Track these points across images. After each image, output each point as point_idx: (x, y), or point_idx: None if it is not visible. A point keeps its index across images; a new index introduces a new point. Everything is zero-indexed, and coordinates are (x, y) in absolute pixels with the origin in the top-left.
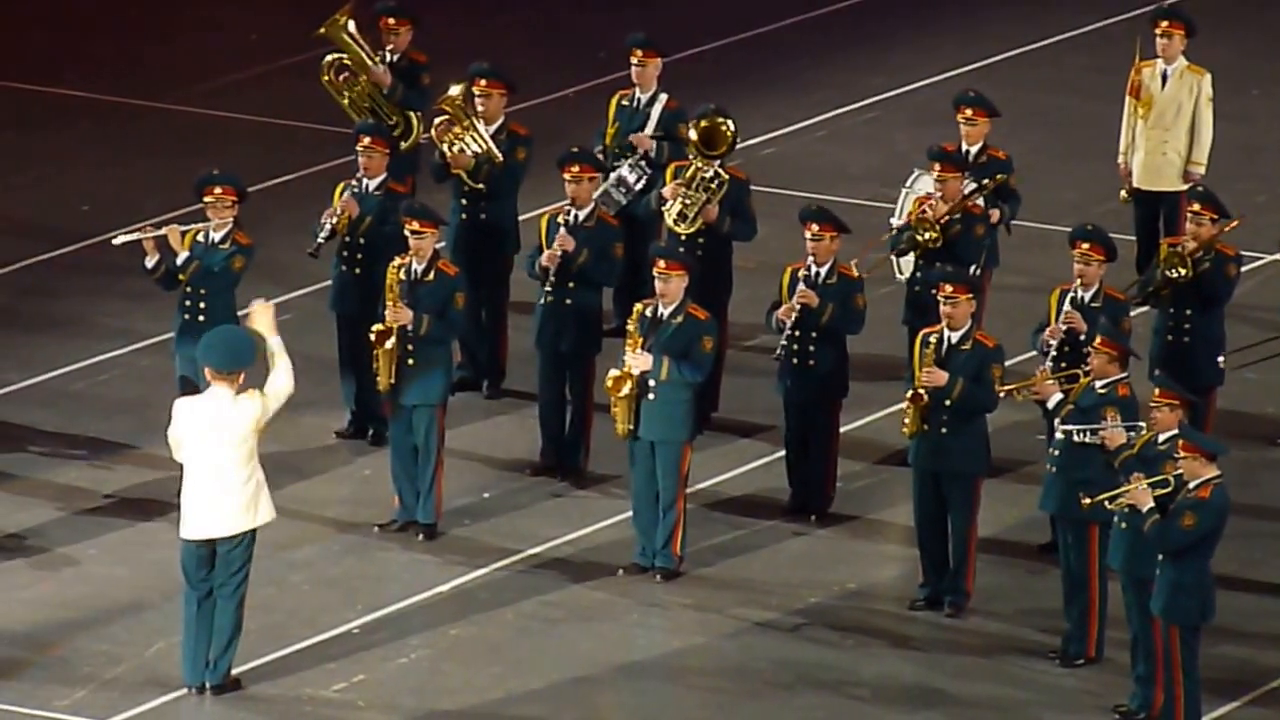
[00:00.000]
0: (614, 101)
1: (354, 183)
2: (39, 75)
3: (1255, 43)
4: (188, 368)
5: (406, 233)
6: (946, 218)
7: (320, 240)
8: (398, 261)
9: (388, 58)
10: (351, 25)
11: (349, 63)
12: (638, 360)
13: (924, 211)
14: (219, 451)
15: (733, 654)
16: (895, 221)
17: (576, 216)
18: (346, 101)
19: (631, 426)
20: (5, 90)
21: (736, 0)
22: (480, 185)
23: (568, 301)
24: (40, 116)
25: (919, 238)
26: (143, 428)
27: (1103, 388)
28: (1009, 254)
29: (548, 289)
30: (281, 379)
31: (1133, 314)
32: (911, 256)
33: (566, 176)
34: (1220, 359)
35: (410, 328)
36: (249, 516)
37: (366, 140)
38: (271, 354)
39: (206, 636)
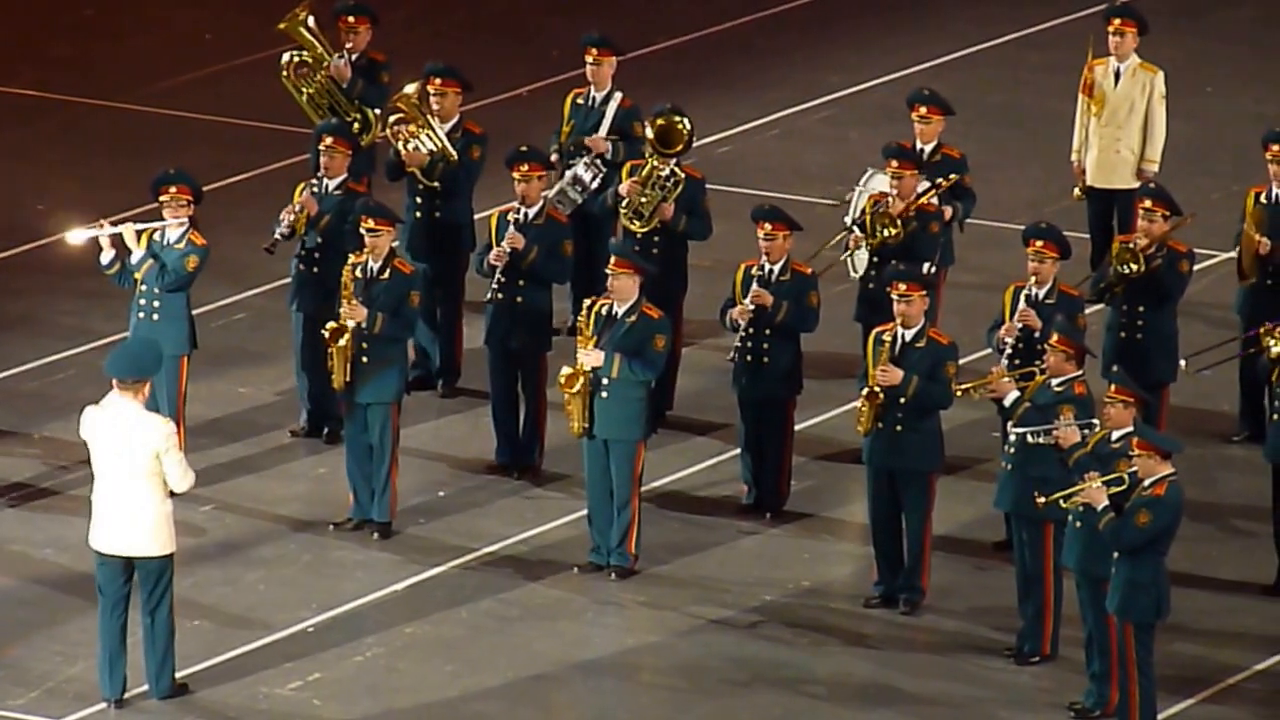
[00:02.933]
0: (569, 100)
1: (314, 182)
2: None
3: (1208, 41)
4: None
5: (362, 231)
6: (905, 214)
7: (277, 237)
8: (353, 259)
9: (347, 56)
10: (311, 20)
11: (308, 58)
12: (590, 358)
13: (882, 207)
14: (125, 463)
15: (688, 652)
16: (848, 219)
17: (526, 214)
18: (305, 98)
19: (586, 425)
20: None
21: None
22: (435, 184)
23: (518, 300)
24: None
25: (880, 233)
26: (54, 435)
27: (1058, 385)
28: (963, 252)
29: (495, 287)
30: (180, 475)
31: (1087, 311)
32: (865, 253)
33: (515, 175)
34: (1182, 363)
35: (365, 325)
36: (161, 542)
37: (329, 140)
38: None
39: (121, 651)
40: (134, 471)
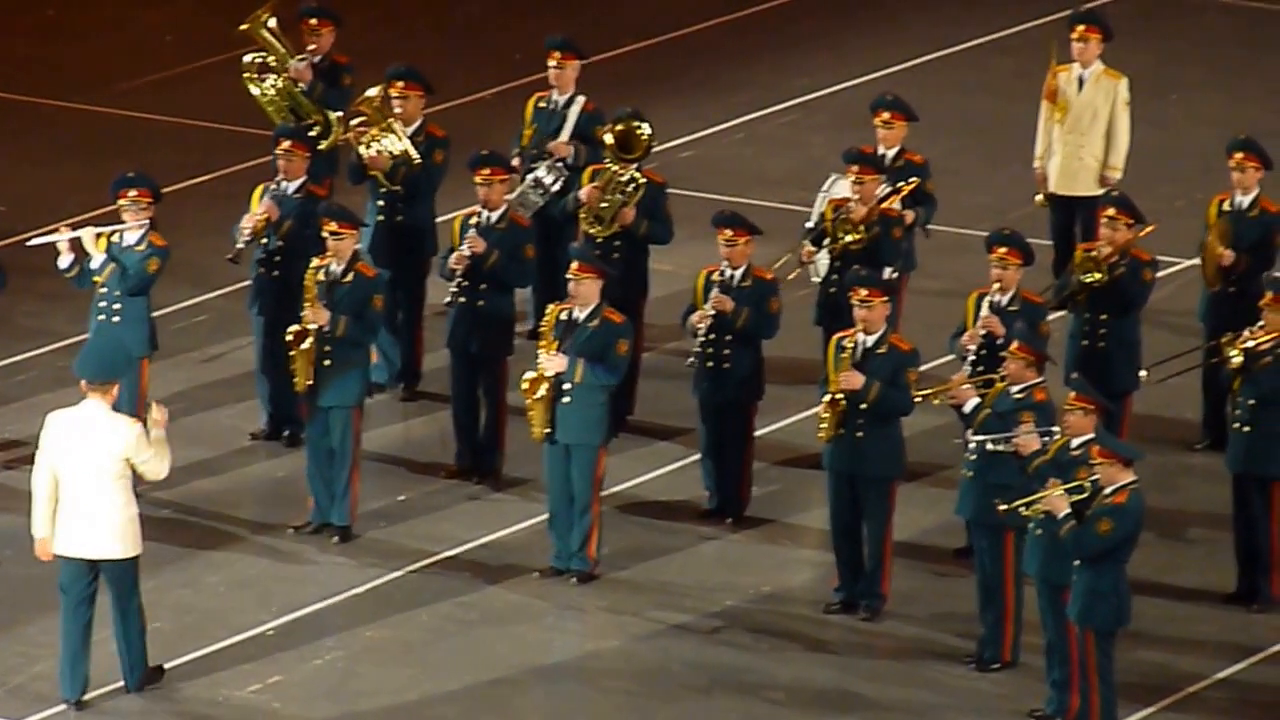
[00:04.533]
0: (531, 103)
1: (273, 185)
2: None
3: (1173, 47)
4: None
5: (325, 234)
6: (867, 219)
7: (240, 246)
8: (316, 262)
9: (310, 59)
10: (272, 22)
11: (270, 61)
12: (551, 362)
13: (844, 212)
14: (93, 466)
15: (648, 657)
16: (811, 222)
17: (488, 218)
18: (266, 100)
19: (547, 430)
20: None
21: (654, 3)
22: (398, 187)
23: (479, 303)
24: None
25: (841, 238)
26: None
27: (1019, 393)
28: (926, 258)
29: (455, 290)
30: (157, 465)
31: (1050, 318)
32: (827, 258)
33: (477, 179)
34: (1143, 373)
35: (328, 329)
36: (127, 544)
37: (286, 144)
38: (155, 439)
39: (83, 652)
40: (101, 474)
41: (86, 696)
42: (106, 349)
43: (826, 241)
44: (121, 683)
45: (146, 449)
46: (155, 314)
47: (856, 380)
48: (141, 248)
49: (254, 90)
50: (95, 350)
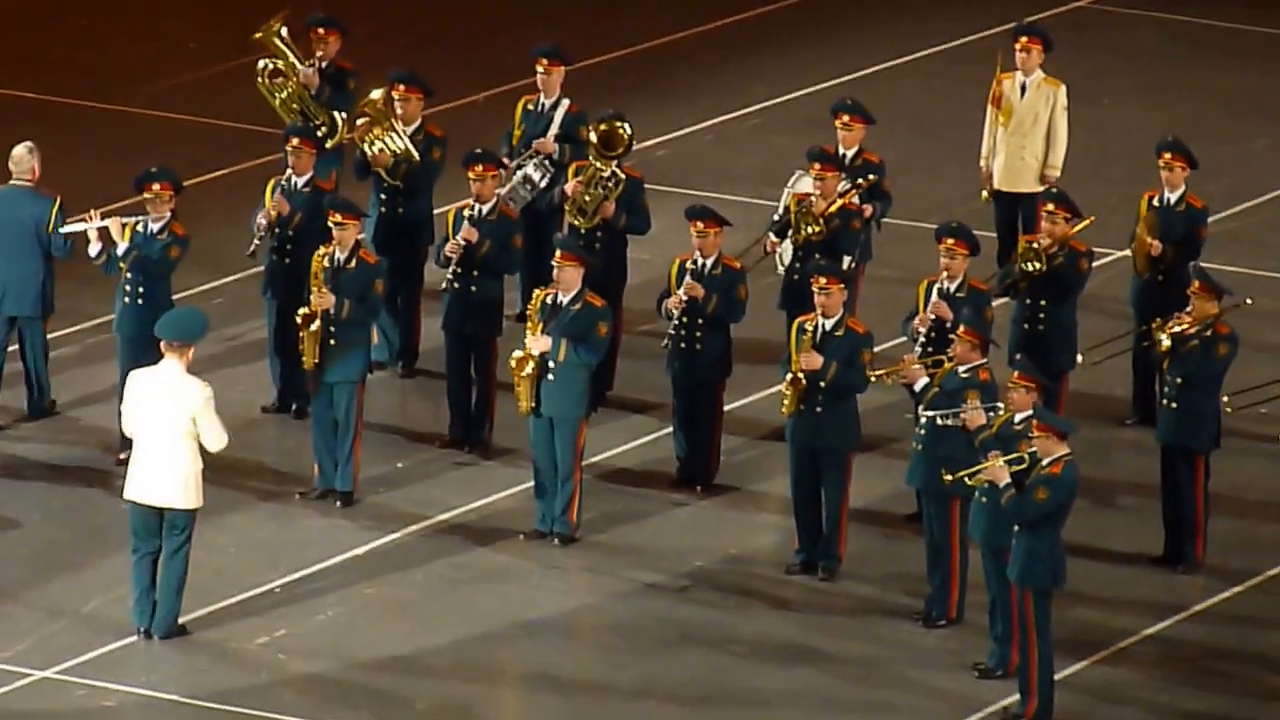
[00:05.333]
0: (520, 106)
1: (283, 180)
2: None
3: (1107, 58)
4: (127, 346)
5: (330, 224)
6: (828, 212)
7: (257, 242)
8: (322, 250)
9: (318, 65)
10: (284, 31)
11: (281, 66)
12: (537, 343)
13: (807, 206)
14: (166, 421)
15: (623, 613)
16: (776, 215)
17: (480, 210)
18: (278, 102)
19: (533, 404)
20: None
21: (633, 15)
22: (398, 182)
23: (472, 289)
24: None
25: (803, 229)
26: (88, 400)
27: (965, 372)
28: (881, 249)
29: (451, 277)
30: (216, 434)
31: (994, 304)
32: (790, 248)
33: (471, 175)
34: (1079, 357)
35: (333, 311)
36: (190, 496)
37: (295, 141)
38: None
39: (151, 588)
40: (173, 429)
41: (111, 647)
42: (185, 315)
43: (790, 233)
44: (141, 635)
45: (212, 415)
46: (176, 297)
47: (816, 361)
48: (164, 236)
49: (266, 94)
50: (176, 314)
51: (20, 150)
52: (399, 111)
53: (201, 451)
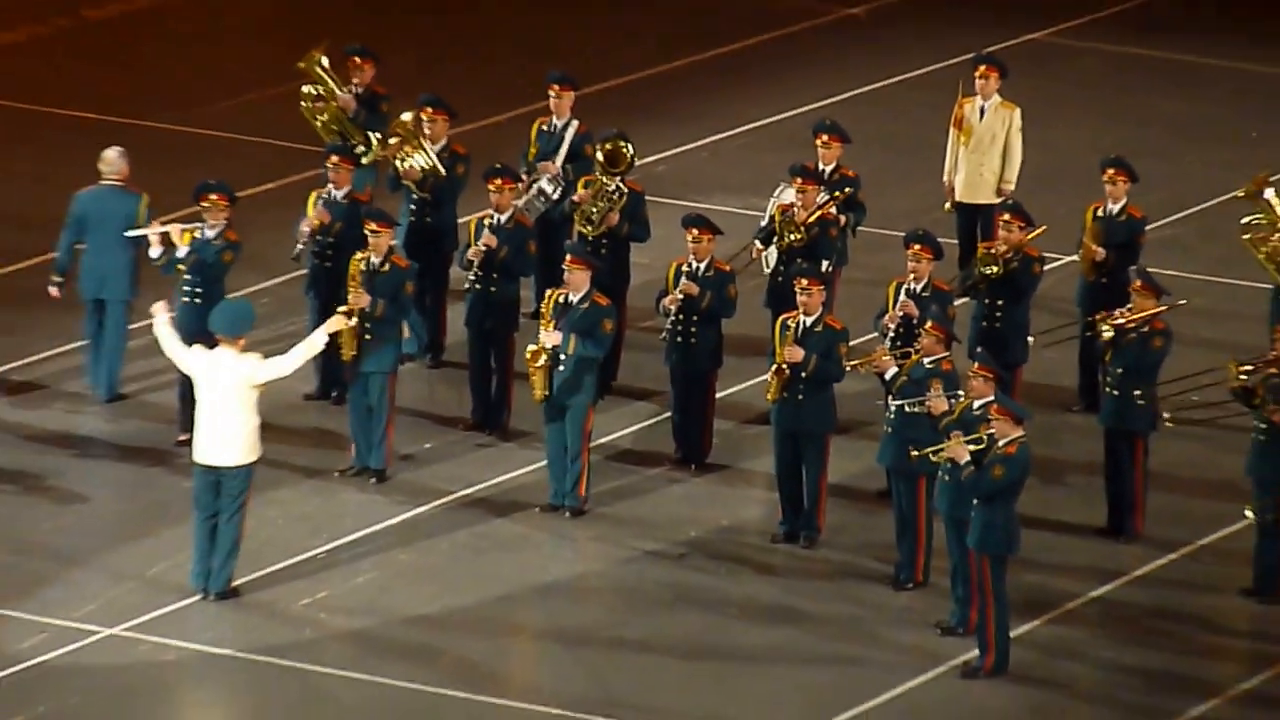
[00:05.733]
0: (535, 126)
1: (324, 193)
2: (69, 103)
3: (1057, 84)
4: (186, 340)
5: (366, 232)
6: (808, 221)
7: (300, 246)
8: (359, 255)
9: (354, 90)
10: (325, 61)
11: (322, 92)
12: (549, 338)
13: (790, 215)
14: (220, 396)
15: (627, 577)
16: (762, 223)
17: (498, 220)
18: (319, 124)
19: (546, 392)
20: (46, 114)
21: (635, 46)
22: (426, 194)
23: (492, 289)
24: (66, 136)
25: (787, 237)
26: (151, 388)
27: (930, 363)
28: (855, 254)
29: (473, 279)
30: (284, 362)
31: (956, 303)
32: (775, 253)
33: (490, 188)
34: (1029, 339)
35: (369, 309)
36: (245, 453)
37: (335, 159)
38: (306, 342)
39: (209, 553)
40: (226, 397)
41: (172, 608)
42: (235, 308)
43: (775, 239)
44: (199, 596)
45: (265, 366)
46: (229, 296)
47: (798, 353)
48: (218, 242)
49: (309, 116)
50: (227, 310)
51: (112, 153)
52: (427, 131)
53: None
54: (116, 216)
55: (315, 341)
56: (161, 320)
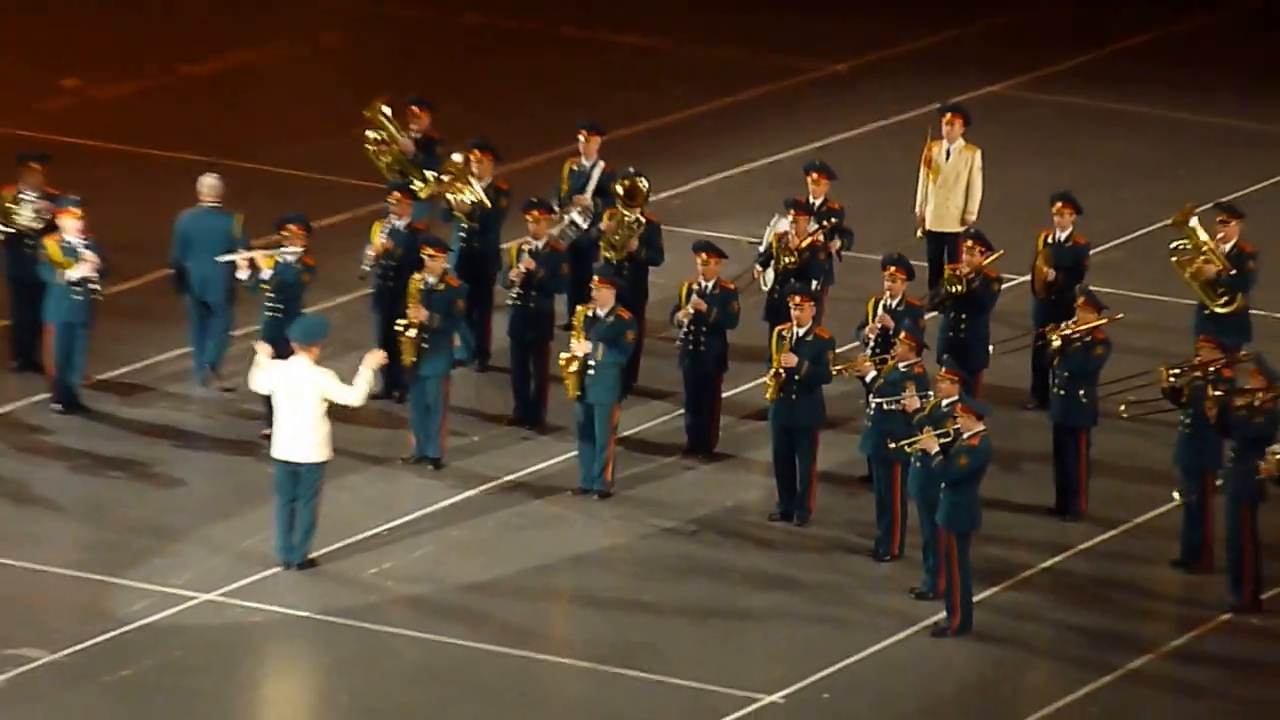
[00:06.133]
0: (566, 166)
1: (387, 223)
2: (171, 146)
3: (1012, 129)
4: (269, 346)
5: (423, 256)
6: (800, 246)
7: (366, 268)
8: (417, 276)
9: (412, 134)
10: (387, 110)
11: (384, 137)
12: (580, 346)
13: (785, 242)
14: (298, 400)
15: (646, 550)
16: (760, 249)
17: (535, 245)
18: (383, 165)
19: (578, 392)
20: (151, 156)
21: (652, 97)
22: (474, 224)
23: (530, 305)
24: (168, 174)
25: (782, 260)
26: (241, 386)
27: (904, 368)
28: (841, 275)
29: (514, 296)
30: (352, 394)
31: (927, 317)
32: (772, 274)
33: (528, 219)
34: (990, 348)
35: (426, 322)
36: (320, 452)
37: (396, 195)
38: (361, 377)
39: (290, 529)
40: (306, 405)
41: (258, 576)
42: (311, 321)
43: (772, 262)
44: (281, 566)
45: (338, 385)
46: (305, 311)
47: (792, 360)
48: (297, 265)
49: (373, 157)
50: (304, 322)
51: (212, 179)
52: (474, 170)
53: (334, 417)
54: (215, 233)
55: (372, 364)
56: (262, 357)
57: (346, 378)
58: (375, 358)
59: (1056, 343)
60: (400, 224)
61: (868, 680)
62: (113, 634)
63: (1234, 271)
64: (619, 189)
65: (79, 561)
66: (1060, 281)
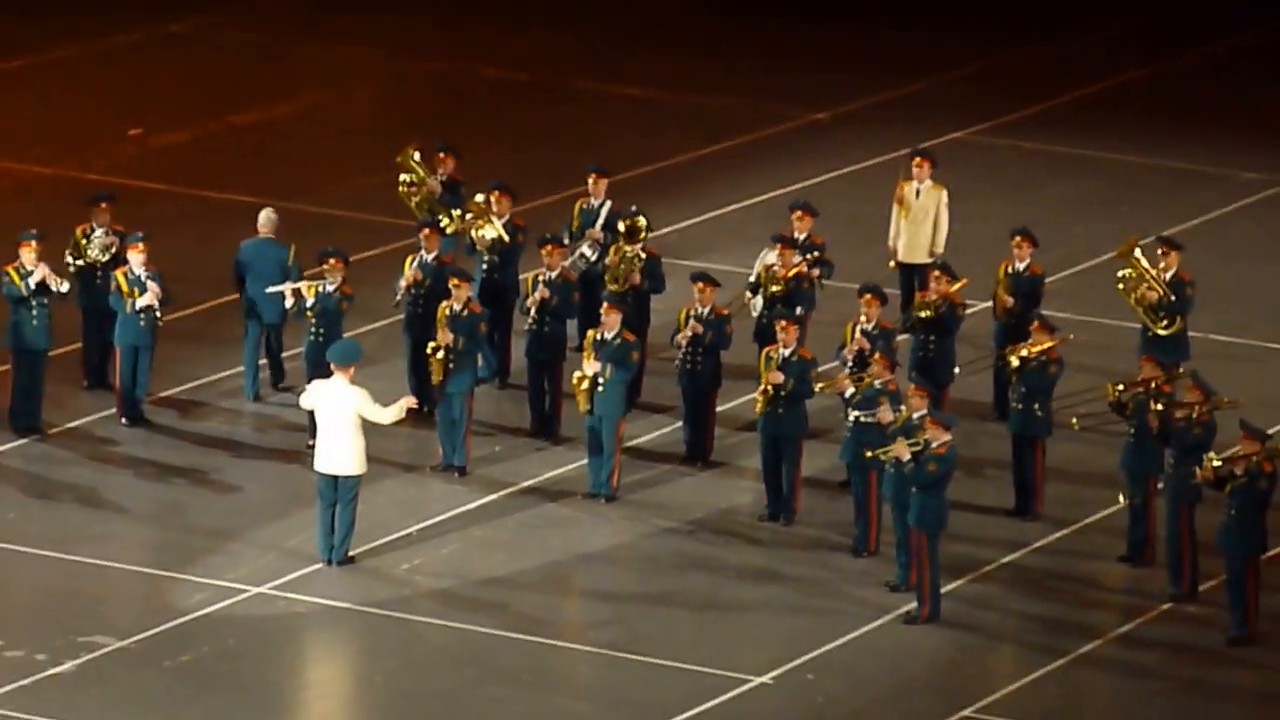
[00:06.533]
0: (577, 206)
1: (418, 256)
2: (222, 188)
3: (976, 170)
4: (311, 368)
5: (450, 286)
6: (786, 276)
7: (399, 297)
8: (444, 303)
9: (439, 177)
10: (417, 155)
11: (414, 179)
12: (590, 366)
13: (772, 272)
14: (337, 416)
15: (649, 548)
16: (751, 278)
17: (550, 276)
18: (413, 204)
19: (588, 407)
20: (203, 197)
21: (653, 142)
22: (495, 257)
23: (545, 329)
24: (220, 213)
25: (770, 288)
26: (289, 401)
27: (879, 384)
28: (822, 301)
29: (530, 321)
30: (385, 415)
31: (899, 339)
32: (761, 301)
33: (542, 252)
34: (956, 367)
35: (452, 345)
36: (356, 465)
37: (426, 231)
38: (396, 404)
39: (331, 531)
40: (344, 422)
41: (304, 572)
42: (348, 345)
43: (760, 290)
44: (324, 563)
45: (373, 406)
46: (344, 336)
47: (778, 377)
48: (336, 294)
49: (405, 198)
50: (341, 345)
51: (268, 213)
52: (495, 209)
53: (370, 430)
54: (270, 261)
55: (404, 404)
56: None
57: (381, 395)
58: (408, 402)
59: (1015, 362)
60: (429, 257)
61: (847, 663)
62: (174, 623)
63: (1174, 297)
64: (622, 225)
65: (144, 559)
66: (1018, 307)
